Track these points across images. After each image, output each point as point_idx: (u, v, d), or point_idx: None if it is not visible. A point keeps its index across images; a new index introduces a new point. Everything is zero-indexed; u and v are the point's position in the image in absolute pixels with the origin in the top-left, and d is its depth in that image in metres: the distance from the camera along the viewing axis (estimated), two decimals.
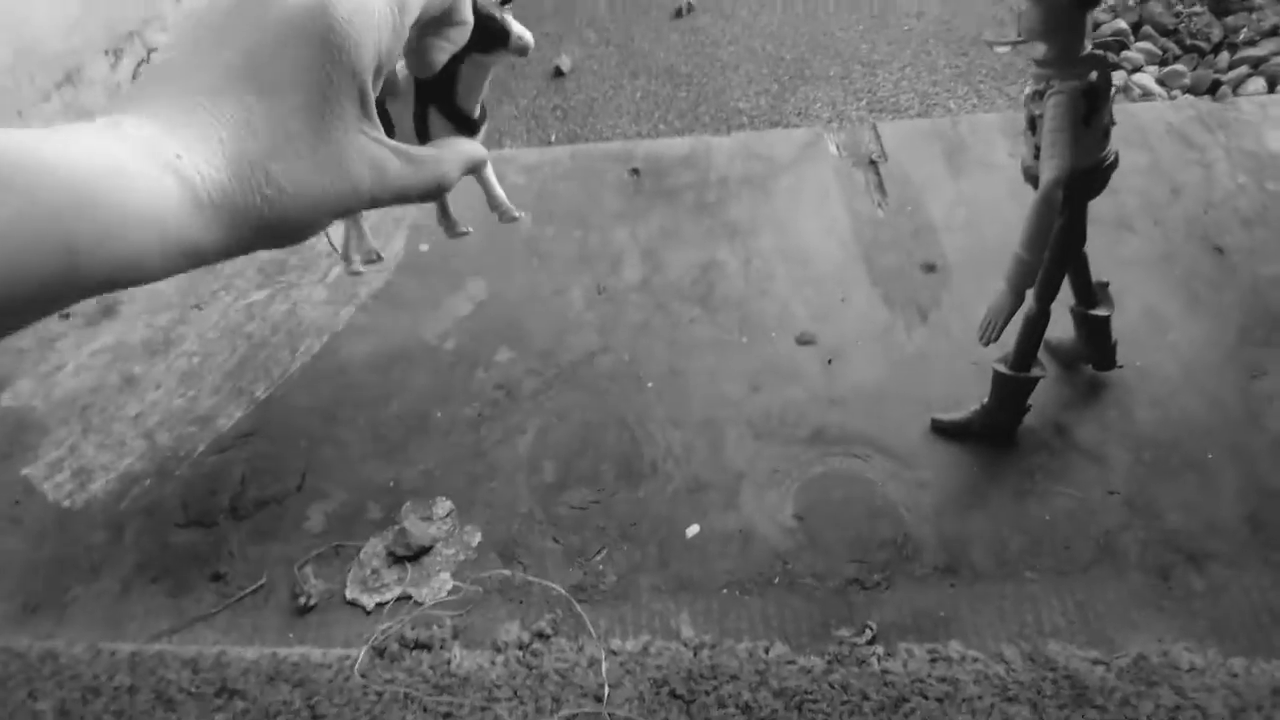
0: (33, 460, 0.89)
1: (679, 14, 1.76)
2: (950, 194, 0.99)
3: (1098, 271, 0.88)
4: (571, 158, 1.14)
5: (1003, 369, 0.74)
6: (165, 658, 0.75)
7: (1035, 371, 0.73)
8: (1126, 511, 0.72)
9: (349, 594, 0.77)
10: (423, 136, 0.91)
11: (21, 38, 1.29)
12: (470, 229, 0.89)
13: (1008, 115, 1.07)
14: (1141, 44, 1.66)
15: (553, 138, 1.55)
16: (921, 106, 1.48)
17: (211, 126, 0.28)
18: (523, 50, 0.81)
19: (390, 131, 0.93)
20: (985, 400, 0.76)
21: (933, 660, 0.67)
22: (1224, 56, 1.63)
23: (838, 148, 1.07)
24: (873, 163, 1.04)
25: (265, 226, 0.29)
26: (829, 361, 0.86)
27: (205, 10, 0.31)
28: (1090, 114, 0.61)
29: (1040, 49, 0.61)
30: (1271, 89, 1.51)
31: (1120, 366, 0.80)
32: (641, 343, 0.91)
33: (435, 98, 0.84)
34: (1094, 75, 0.60)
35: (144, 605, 0.79)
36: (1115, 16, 1.68)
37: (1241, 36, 1.62)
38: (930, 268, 0.92)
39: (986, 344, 0.68)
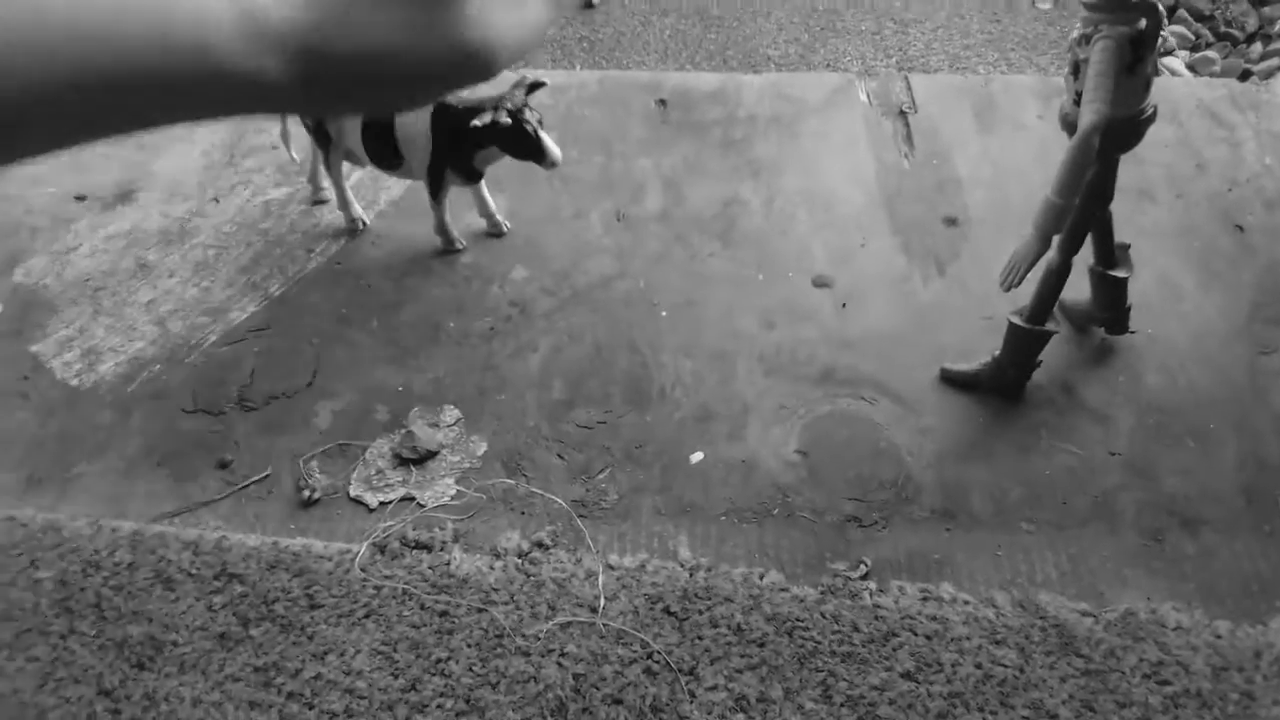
0: (41, 338, 0.89)
1: None
2: (977, 150, 0.99)
3: (1118, 236, 0.88)
4: (600, 83, 1.13)
5: (1018, 321, 0.74)
6: (167, 538, 0.75)
7: (1050, 326, 0.74)
8: (1126, 472, 0.73)
9: (353, 491, 0.78)
10: (436, 184, 0.91)
11: None
12: (465, 244, 0.89)
13: (1040, 79, 1.06)
14: (1175, 27, 1.64)
15: (578, 68, 1.53)
16: (951, 69, 1.47)
17: None
18: (552, 167, 0.83)
19: (399, 158, 0.93)
20: (997, 353, 0.77)
21: (924, 599, 0.68)
22: (1257, 47, 1.62)
23: (869, 95, 1.06)
24: (902, 113, 1.03)
25: (342, 66, 0.25)
26: (844, 305, 0.87)
27: None
28: (1135, 62, 0.61)
29: None
30: None
31: (1133, 332, 0.80)
32: (658, 271, 0.91)
33: (454, 164, 0.85)
34: (1143, 23, 0.60)
35: (147, 487, 0.79)
36: None
37: (1277, 28, 1.61)
38: (952, 221, 0.92)
39: (1008, 288, 0.68)
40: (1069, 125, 0.66)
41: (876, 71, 1.49)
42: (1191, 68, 1.56)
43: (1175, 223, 0.89)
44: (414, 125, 0.84)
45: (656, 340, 0.85)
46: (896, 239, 0.91)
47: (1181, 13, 1.67)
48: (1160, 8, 0.63)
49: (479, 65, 0.29)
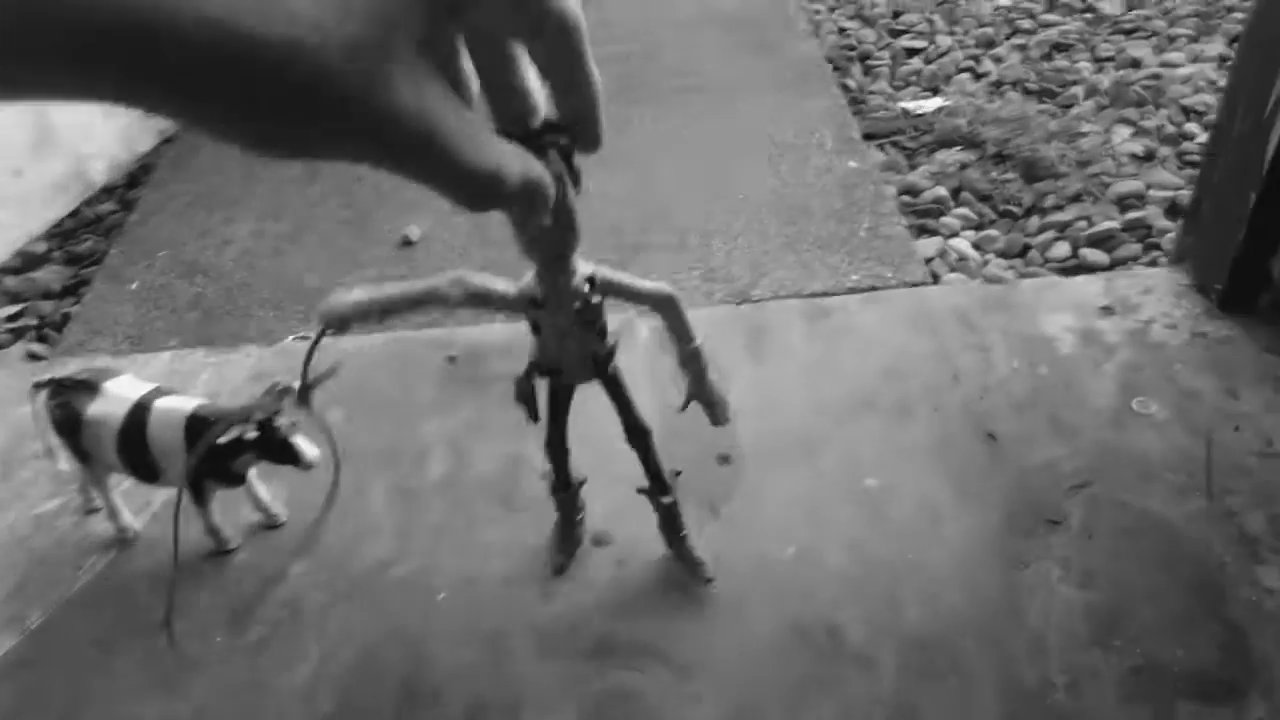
0: None
1: None
2: (748, 379, 1.03)
3: (885, 463, 0.91)
4: (389, 344, 1.15)
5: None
6: None
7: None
8: None
9: None
10: (197, 493, 0.89)
11: None
12: (238, 542, 0.88)
13: (808, 303, 1.12)
14: (960, 209, 1.77)
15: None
16: (752, 276, 1.54)
17: None
18: (309, 469, 0.82)
19: (155, 469, 0.91)
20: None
21: None
22: (1034, 220, 1.75)
23: (650, 332, 1.10)
24: None
25: (270, 70, 0.22)
26: (620, 563, 0.87)
27: None
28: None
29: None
30: (1075, 252, 1.62)
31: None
32: (438, 548, 0.90)
33: (212, 473, 0.83)
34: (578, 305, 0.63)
35: None
36: (936, 184, 1.80)
37: (1048, 202, 1.75)
38: (725, 459, 0.95)
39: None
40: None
41: (682, 286, 1.56)
42: (977, 246, 1.68)
43: (933, 438, 0.93)
44: (167, 436, 0.84)
45: (432, 630, 0.83)
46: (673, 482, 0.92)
47: (965, 194, 1.81)
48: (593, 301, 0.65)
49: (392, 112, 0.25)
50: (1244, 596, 0.79)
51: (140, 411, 0.85)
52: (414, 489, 0.96)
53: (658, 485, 0.79)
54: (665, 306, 0.67)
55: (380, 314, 0.63)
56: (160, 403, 0.85)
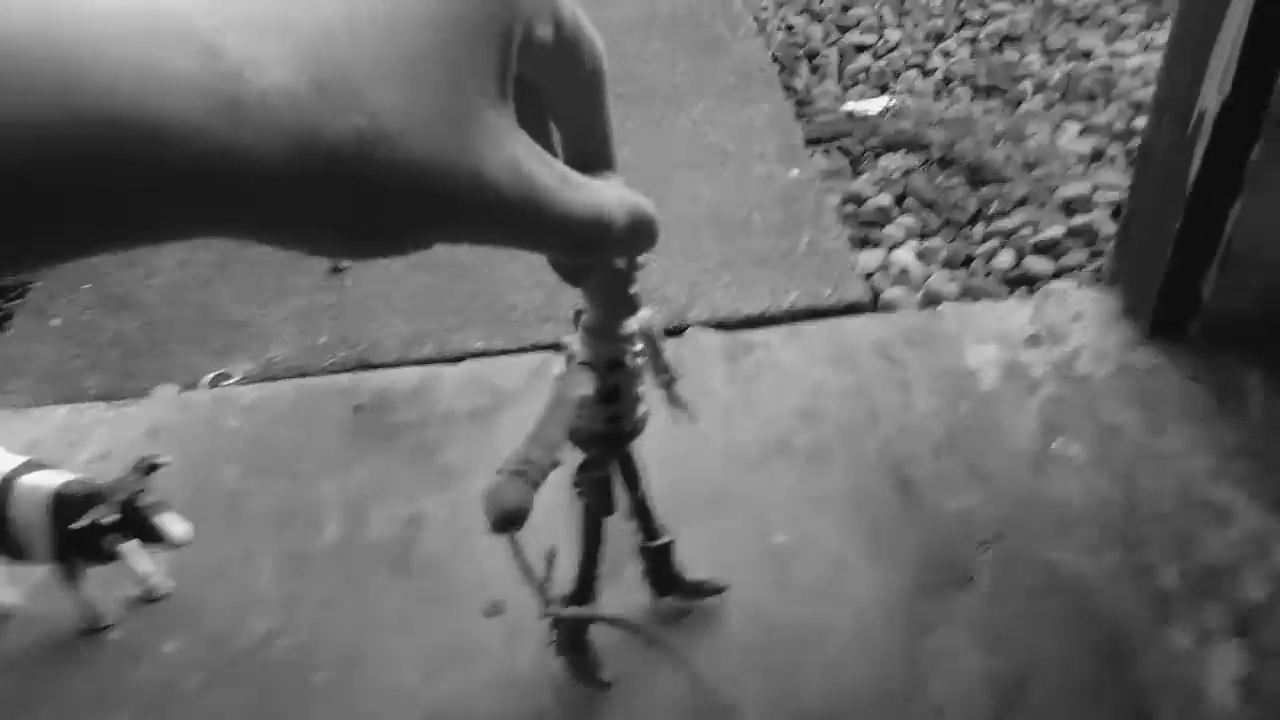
0: None
1: None
2: (663, 426, 0.98)
3: (796, 515, 0.88)
4: (295, 393, 1.11)
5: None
6: None
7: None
8: None
9: None
10: (67, 571, 0.83)
11: None
12: (113, 618, 0.83)
13: (729, 337, 1.08)
14: (904, 218, 1.73)
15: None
16: (688, 298, 1.50)
17: (290, 12, 0.20)
18: (177, 547, 0.75)
19: (20, 549, 0.87)
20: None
21: None
22: (979, 228, 1.71)
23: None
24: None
25: (349, 169, 0.20)
26: (512, 635, 0.83)
27: None
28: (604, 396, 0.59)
29: (589, 318, 0.58)
30: (1019, 261, 1.58)
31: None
32: (325, 620, 0.86)
33: (81, 551, 0.77)
34: (629, 354, 0.59)
35: None
36: (880, 191, 1.75)
37: (993, 208, 1.70)
38: (630, 517, 0.90)
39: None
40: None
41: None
42: (921, 256, 1.63)
43: (847, 486, 0.89)
44: (32, 515, 0.79)
45: (307, 716, 0.79)
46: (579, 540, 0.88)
47: (910, 201, 1.76)
48: (656, 336, 0.63)
49: (491, 194, 0.24)
50: (1151, 660, 0.76)
51: (4, 488, 0.81)
52: (306, 554, 0.92)
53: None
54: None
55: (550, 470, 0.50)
56: (26, 479, 0.81)
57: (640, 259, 0.53)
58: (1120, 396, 0.96)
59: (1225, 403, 0.95)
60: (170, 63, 0.18)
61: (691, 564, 0.86)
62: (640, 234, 0.31)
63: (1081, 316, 1.06)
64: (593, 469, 0.64)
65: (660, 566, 0.78)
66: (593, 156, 0.35)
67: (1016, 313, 1.10)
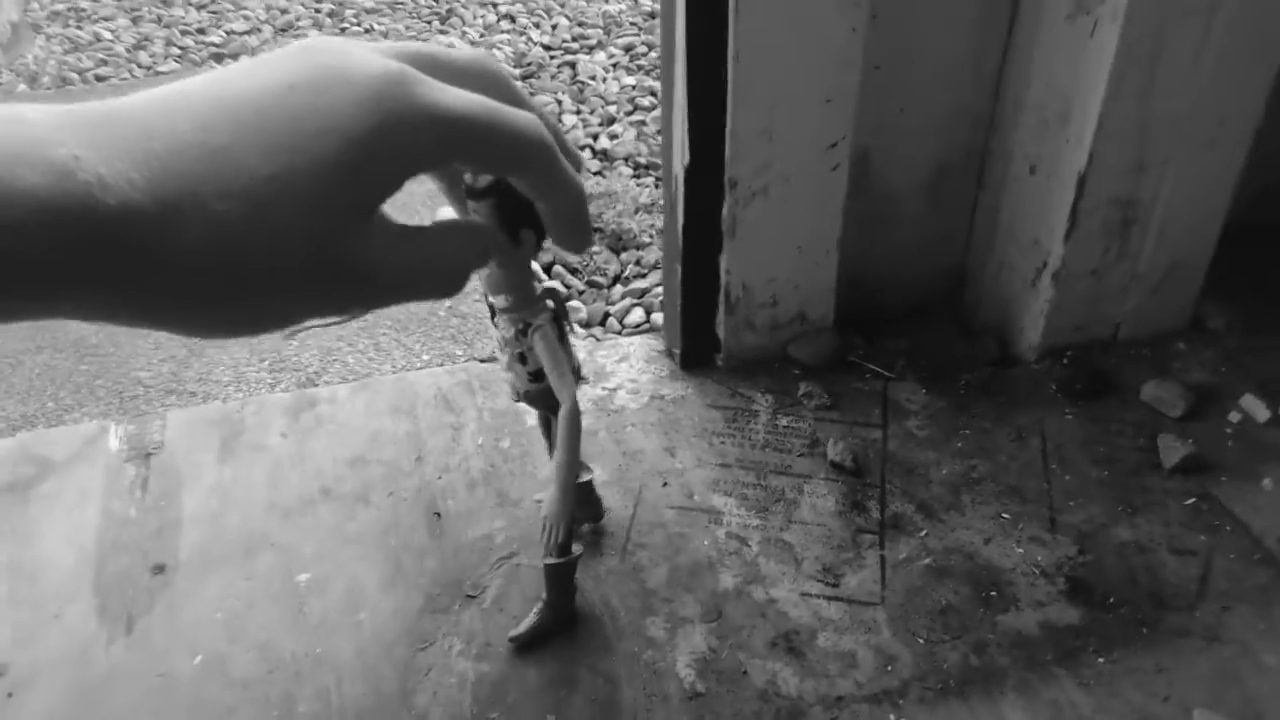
0: None
1: None
2: (210, 482, 1.00)
3: (322, 555, 0.91)
4: None
5: (553, 560, 0.80)
6: None
7: (576, 549, 0.82)
8: None
9: None
10: None
11: None
12: None
13: (296, 395, 1.12)
14: (551, 282, 1.82)
15: None
16: (321, 363, 1.53)
17: (145, 138, 0.22)
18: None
19: None
20: (544, 597, 0.83)
21: None
22: (618, 289, 1.84)
23: (120, 440, 1.06)
24: (149, 455, 1.03)
25: (189, 273, 0.23)
26: (10, 695, 0.81)
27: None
28: (561, 335, 0.71)
29: (503, 300, 0.69)
30: (648, 317, 1.71)
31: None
32: None
33: None
34: (550, 303, 0.70)
35: None
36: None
37: (628, 271, 1.84)
38: (160, 568, 0.92)
39: (553, 553, 0.76)
40: (532, 400, 0.76)
41: (247, 380, 1.52)
42: None
43: (380, 523, 0.94)
44: None
45: None
46: (95, 600, 0.88)
47: (558, 268, 1.88)
48: (560, 289, 0.73)
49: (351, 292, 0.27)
50: (627, 649, 0.85)
51: None
52: None
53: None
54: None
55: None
56: None
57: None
58: (645, 425, 1.08)
59: (734, 423, 1.08)
60: (23, 180, 0.21)
61: (210, 611, 0.89)
62: (486, 257, 0.33)
63: (628, 358, 1.18)
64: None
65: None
66: (568, 223, 0.35)
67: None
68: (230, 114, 0.24)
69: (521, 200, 0.52)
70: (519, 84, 0.39)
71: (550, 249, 1.80)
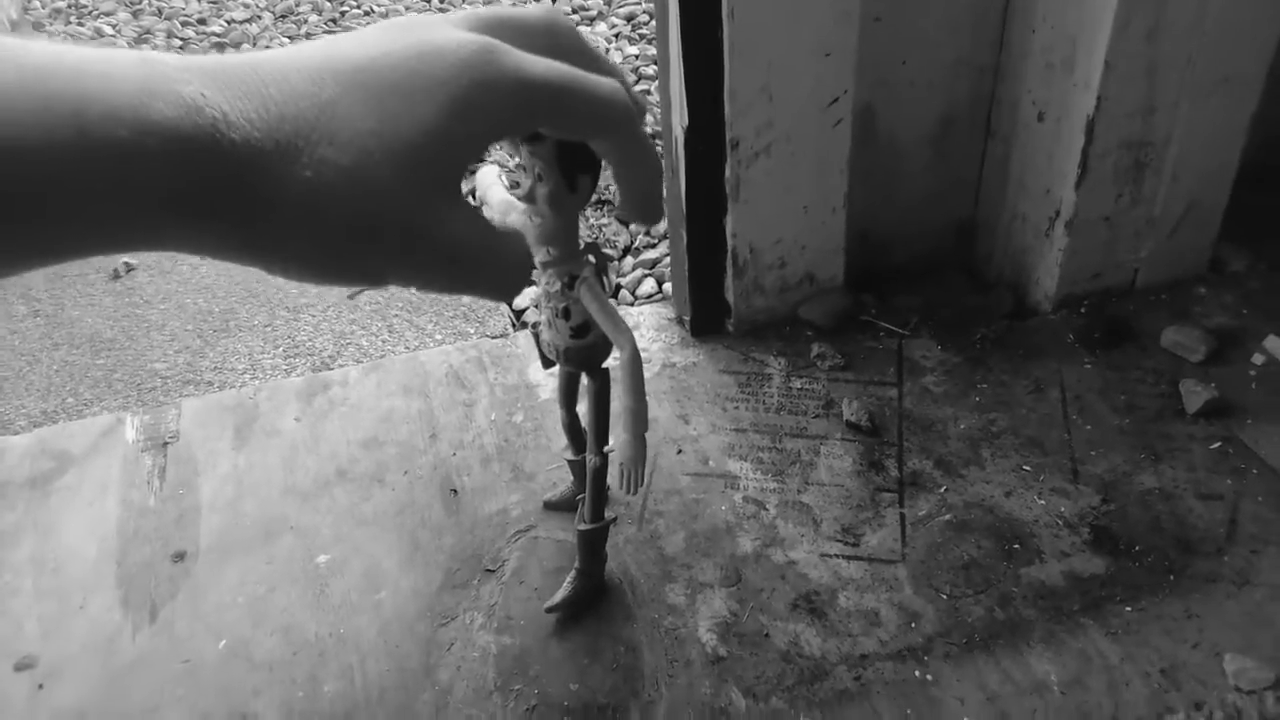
0: None
1: (116, 275, 1.74)
2: (227, 469, 1.01)
3: (340, 537, 0.91)
4: None
5: (586, 526, 0.80)
6: None
7: (607, 514, 0.81)
8: None
9: None
10: None
11: None
12: None
13: (308, 379, 1.12)
14: (592, 239, 1.82)
15: None
16: (335, 347, 1.53)
17: (262, 85, 0.25)
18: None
19: None
20: (578, 564, 0.83)
21: None
22: (629, 261, 1.83)
23: (137, 431, 1.06)
24: (165, 445, 1.04)
25: (300, 209, 0.25)
26: (40, 686, 0.82)
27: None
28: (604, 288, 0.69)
29: (546, 253, 0.65)
30: (660, 287, 1.71)
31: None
32: None
33: None
34: (591, 258, 0.66)
35: None
36: None
37: (638, 241, 1.83)
38: (180, 556, 0.92)
39: (633, 491, 0.71)
40: (570, 357, 0.72)
41: (263, 367, 1.53)
42: None
43: (396, 503, 0.94)
44: None
45: None
46: (118, 591, 0.89)
47: None
48: (600, 244, 0.70)
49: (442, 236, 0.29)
50: (647, 615, 0.84)
51: None
52: None
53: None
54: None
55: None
56: None
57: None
58: (658, 393, 1.07)
59: (747, 388, 1.08)
60: (157, 112, 0.23)
61: (232, 596, 0.89)
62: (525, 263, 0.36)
63: (638, 327, 1.17)
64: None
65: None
66: (643, 195, 0.39)
67: None
68: (338, 73, 0.27)
69: (580, 145, 0.52)
70: (590, 41, 0.41)
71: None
